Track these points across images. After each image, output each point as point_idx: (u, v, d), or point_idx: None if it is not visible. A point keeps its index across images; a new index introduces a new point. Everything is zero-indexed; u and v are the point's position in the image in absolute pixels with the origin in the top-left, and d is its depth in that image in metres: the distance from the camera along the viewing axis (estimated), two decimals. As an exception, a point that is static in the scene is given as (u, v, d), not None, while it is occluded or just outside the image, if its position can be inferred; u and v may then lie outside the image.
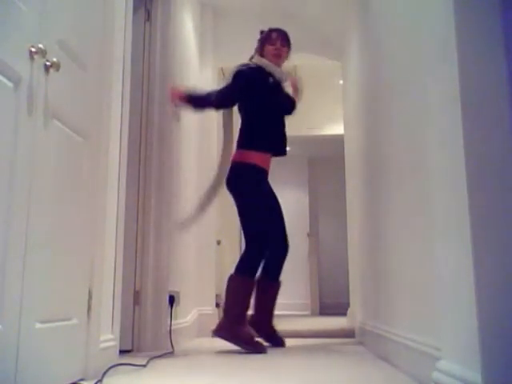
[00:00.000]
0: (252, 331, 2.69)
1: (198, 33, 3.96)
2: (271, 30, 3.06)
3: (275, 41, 3.01)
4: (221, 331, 2.66)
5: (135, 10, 2.48)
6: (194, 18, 3.83)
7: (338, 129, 5.07)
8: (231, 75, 2.94)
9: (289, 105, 3.12)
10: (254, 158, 2.85)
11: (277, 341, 2.91)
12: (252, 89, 2.90)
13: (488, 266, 1.07)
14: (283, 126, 3.03)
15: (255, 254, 2.76)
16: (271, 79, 2.97)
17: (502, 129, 1.11)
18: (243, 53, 4.39)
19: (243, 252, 2.78)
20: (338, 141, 4.70)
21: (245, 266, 2.74)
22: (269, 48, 3.01)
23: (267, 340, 2.88)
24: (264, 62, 2.98)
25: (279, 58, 3.01)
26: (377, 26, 2.65)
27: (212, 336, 2.63)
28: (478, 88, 1.14)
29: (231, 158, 2.93)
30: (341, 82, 4.47)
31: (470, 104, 1.14)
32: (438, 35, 1.34)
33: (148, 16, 2.90)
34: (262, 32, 3.11)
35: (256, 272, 2.77)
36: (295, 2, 4.12)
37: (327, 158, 6.81)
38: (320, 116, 5.36)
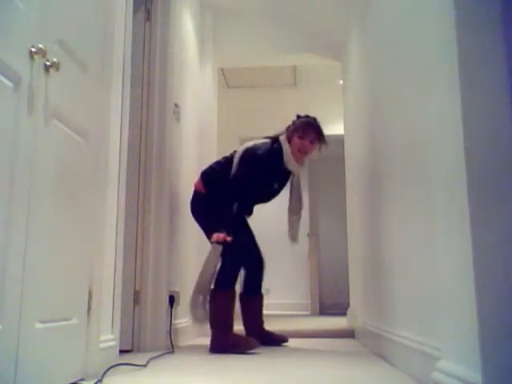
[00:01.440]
0: (237, 334, 2.69)
1: (198, 33, 3.96)
2: (306, 124, 2.91)
3: (305, 137, 2.87)
4: (212, 347, 2.63)
5: (135, 10, 2.49)
6: (194, 18, 3.83)
7: (338, 129, 5.06)
8: (246, 156, 2.81)
9: (270, 197, 3.02)
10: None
11: (277, 339, 2.94)
12: (261, 171, 2.81)
13: (488, 267, 1.07)
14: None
15: (232, 267, 2.76)
16: (276, 185, 2.93)
17: (502, 128, 1.11)
18: (243, 53, 4.41)
19: (220, 267, 2.71)
20: (337, 141, 4.69)
21: (225, 279, 2.72)
22: (296, 141, 2.87)
23: (267, 344, 2.89)
24: (286, 152, 2.86)
25: (304, 155, 2.90)
26: (377, 26, 2.65)
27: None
28: (478, 88, 1.14)
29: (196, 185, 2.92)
30: (341, 82, 4.47)
31: (470, 103, 1.14)
32: (438, 35, 1.34)
33: (148, 16, 2.90)
34: (298, 116, 2.98)
35: (235, 282, 2.76)
36: (295, 3, 4.12)
37: (327, 158, 6.82)
38: (320, 116, 5.36)
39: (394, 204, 2.22)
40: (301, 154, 2.88)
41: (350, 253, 4.06)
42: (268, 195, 2.99)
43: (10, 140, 1.28)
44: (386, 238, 2.41)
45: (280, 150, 2.86)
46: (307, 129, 2.88)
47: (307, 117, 2.97)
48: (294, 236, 3.02)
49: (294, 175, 2.99)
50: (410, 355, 1.83)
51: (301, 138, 2.87)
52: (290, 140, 2.89)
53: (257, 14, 4.24)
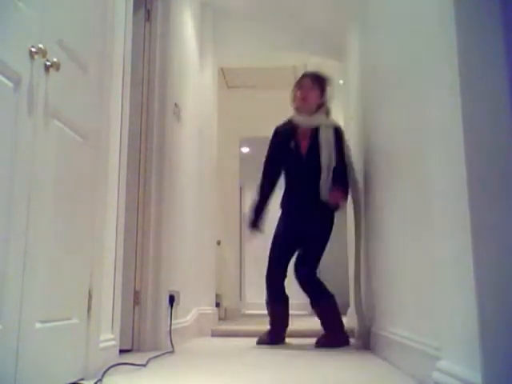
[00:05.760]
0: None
1: (198, 33, 3.96)
2: (301, 77, 3.15)
3: (301, 85, 3.08)
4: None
5: (135, 10, 2.48)
6: (194, 17, 3.83)
7: (338, 129, 5.06)
8: None
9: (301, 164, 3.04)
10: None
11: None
12: (277, 147, 3.08)
13: (488, 266, 1.07)
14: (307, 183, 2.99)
15: (266, 282, 3.00)
16: (293, 142, 3.03)
17: (502, 128, 1.11)
18: (243, 53, 4.40)
19: None
20: (337, 141, 4.68)
21: (266, 293, 3.00)
22: (297, 94, 3.08)
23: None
24: (293, 117, 3.09)
25: (305, 101, 3.04)
26: (377, 27, 2.65)
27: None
28: (478, 88, 1.14)
29: None
30: (341, 81, 4.46)
31: (469, 103, 1.14)
32: (437, 35, 1.34)
33: (148, 16, 2.90)
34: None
35: (273, 297, 2.98)
36: (295, 3, 4.12)
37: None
38: (320, 116, 5.36)
39: (394, 204, 2.22)
40: (303, 101, 3.03)
41: (349, 253, 4.06)
42: (296, 161, 3.01)
43: (9, 140, 1.28)
44: (386, 237, 2.41)
45: (289, 119, 3.10)
46: (302, 78, 3.12)
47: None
48: (322, 194, 2.97)
49: (320, 132, 3.01)
50: (410, 355, 1.83)
51: (299, 87, 3.07)
52: (294, 100, 3.08)
53: (257, 14, 4.23)
